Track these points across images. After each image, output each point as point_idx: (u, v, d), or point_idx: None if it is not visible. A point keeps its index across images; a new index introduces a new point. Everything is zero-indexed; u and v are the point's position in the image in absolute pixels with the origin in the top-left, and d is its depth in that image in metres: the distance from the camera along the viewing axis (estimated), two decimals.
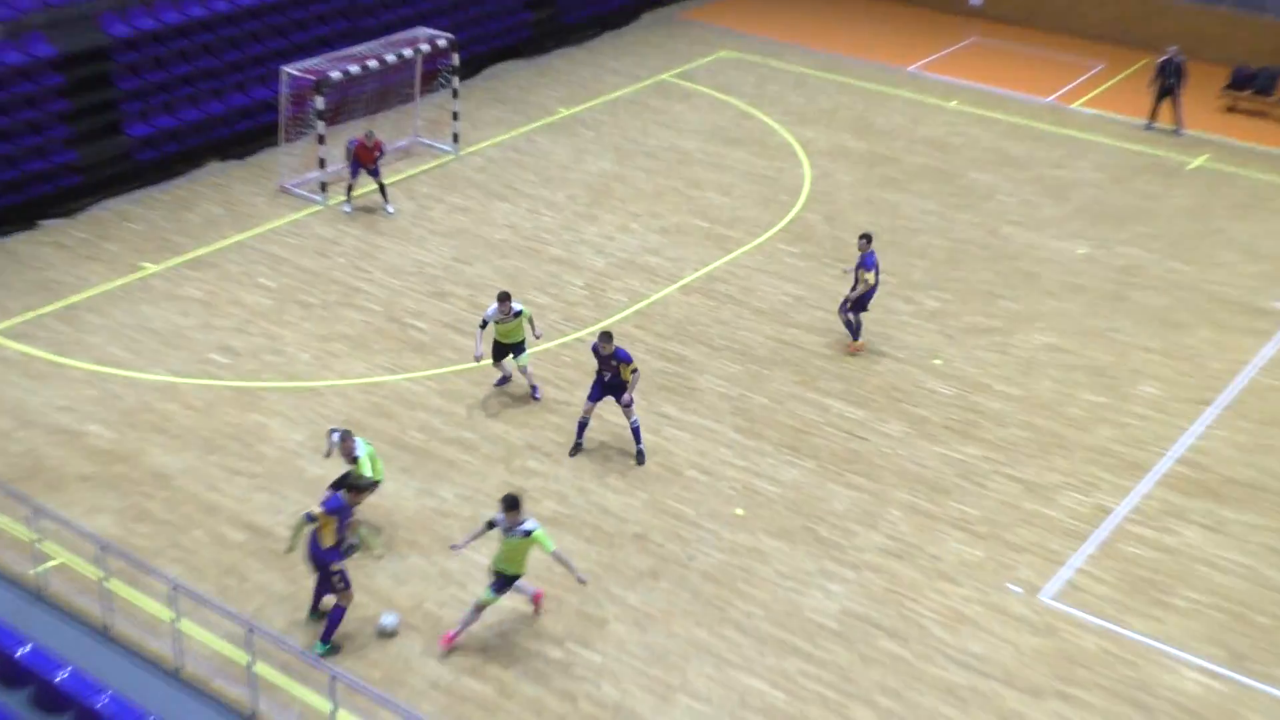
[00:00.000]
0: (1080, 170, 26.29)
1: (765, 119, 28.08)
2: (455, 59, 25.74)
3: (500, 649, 14.33)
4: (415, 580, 15.11)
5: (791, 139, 27.24)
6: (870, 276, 19.31)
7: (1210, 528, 16.48)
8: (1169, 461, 17.68)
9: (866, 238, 19.40)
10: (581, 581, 14.17)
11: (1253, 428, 18.39)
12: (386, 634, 14.28)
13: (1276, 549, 16.12)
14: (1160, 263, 22.78)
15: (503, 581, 14.08)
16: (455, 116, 25.94)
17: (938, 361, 19.80)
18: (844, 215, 23.98)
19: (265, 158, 25.48)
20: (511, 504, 13.74)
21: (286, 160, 24.65)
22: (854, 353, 19.68)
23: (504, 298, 17.71)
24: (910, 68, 30.98)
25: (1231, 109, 29.05)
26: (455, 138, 26.16)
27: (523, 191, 24.79)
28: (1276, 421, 18.57)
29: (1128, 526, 16.51)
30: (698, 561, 15.74)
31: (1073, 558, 15.97)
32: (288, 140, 24.63)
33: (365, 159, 23.28)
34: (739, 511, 16.59)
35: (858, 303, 19.57)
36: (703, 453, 17.65)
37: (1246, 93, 29.21)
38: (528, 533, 13.79)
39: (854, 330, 19.74)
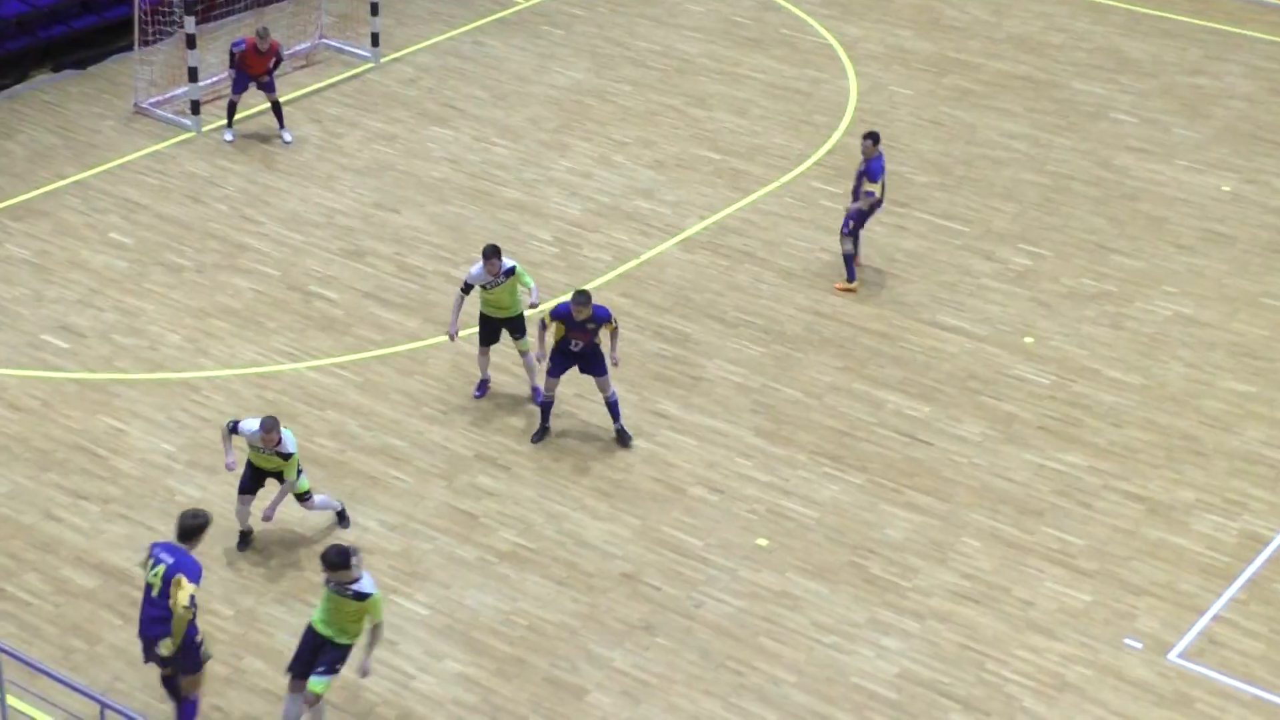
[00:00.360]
0: (1226, 77, 26.61)
1: (796, 10, 28.37)
2: None
3: None
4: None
5: (831, 38, 27.51)
6: (877, 188, 20.33)
7: None
8: None
9: (872, 137, 20.48)
10: (363, 673, 14.15)
11: None
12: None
13: None
14: None
15: (328, 654, 13.96)
16: (374, 10, 26.19)
17: (1029, 340, 20.14)
18: (902, 141, 24.26)
19: (114, 67, 25.69)
20: (335, 563, 13.65)
21: (143, 71, 24.88)
22: (842, 292, 20.81)
23: (491, 254, 17.91)
24: None
25: None
26: (375, 39, 26.40)
27: (468, 113, 25.05)
28: None
29: None
30: (707, 609, 16.06)
31: (1213, 603, 16.31)
32: (145, 43, 24.85)
33: (254, 68, 23.51)
34: (762, 542, 16.93)
35: (859, 224, 20.68)
36: (713, 464, 17.97)
37: None
38: (361, 595, 13.78)
39: (850, 265, 20.84)
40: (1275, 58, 27.23)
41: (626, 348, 19.46)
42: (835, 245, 21.58)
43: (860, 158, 20.76)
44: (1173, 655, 15.72)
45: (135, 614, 15.03)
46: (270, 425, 15.61)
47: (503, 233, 21.82)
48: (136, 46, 24.76)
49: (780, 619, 15.98)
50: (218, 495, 16.88)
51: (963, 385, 19.27)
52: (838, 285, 20.94)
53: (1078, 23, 28.13)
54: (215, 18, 25.69)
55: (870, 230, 21.77)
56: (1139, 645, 15.82)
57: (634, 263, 21.46)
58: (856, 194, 20.66)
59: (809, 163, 23.88)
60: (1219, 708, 15.17)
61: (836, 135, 24.58)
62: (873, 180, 20.39)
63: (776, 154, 24.06)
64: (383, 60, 26.33)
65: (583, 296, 17.31)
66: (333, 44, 26.52)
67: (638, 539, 16.90)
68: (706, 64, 26.57)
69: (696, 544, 16.87)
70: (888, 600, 16.25)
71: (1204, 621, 16.11)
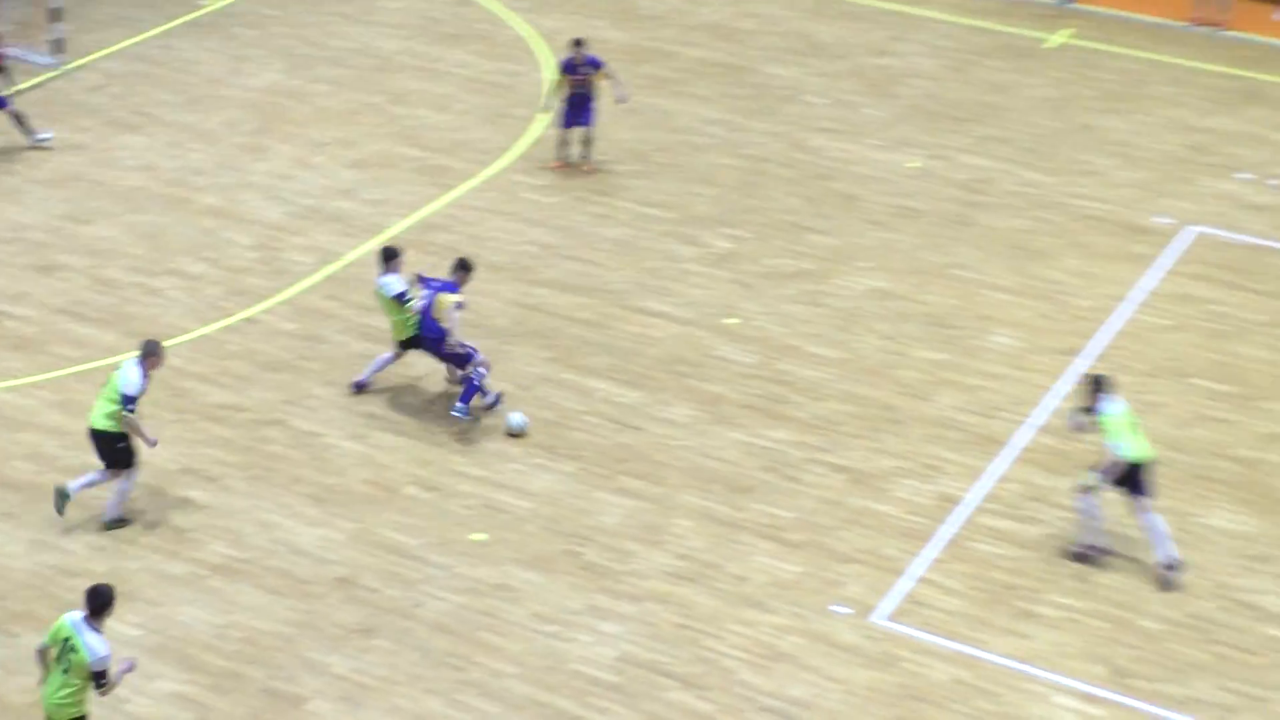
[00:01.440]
0: (910, 57, 27.49)
1: (491, 5, 28.48)
2: None
3: None
4: (32, 667, 15.03)
5: (528, 31, 27.70)
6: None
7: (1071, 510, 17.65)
8: (1030, 431, 18.86)
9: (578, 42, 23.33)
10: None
11: (1133, 381, 19.67)
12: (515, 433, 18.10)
13: (1168, 534, 17.38)
14: (1013, 174, 24.10)
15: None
16: (55, 15, 25.61)
17: (732, 321, 20.59)
18: (602, 130, 24.56)
19: None
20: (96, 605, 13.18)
21: None
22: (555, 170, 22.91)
23: (391, 255, 18.71)
24: None
25: None
26: (58, 45, 25.82)
27: (160, 119, 24.66)
28: (1161, 371, 19.95)
29: (981, 519, 17.56)
30: (426, 608, 16.13)
31: (913, 565, 16.91)
32: None
33: None
34: (478, 537, 17.05)
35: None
36: (426, 462, 18.04)
37: None
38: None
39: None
40: (954, 37, 28.21)
41: (333, 351, 19.45)
42: (540, 237, 21.82)
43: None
44: (878, 618, 16.27)
45: None
46: None
47: (201, 240, 21.57)
48: None
49: (499, 612, 16.12)
50: None
51: (670, 369, 19.63)
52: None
53: (768, 8, 28.76)
54: None
55: (573, 219, 22.03)
56: (847, 611, 16.33)
57: (339, 264, 21.40)
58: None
59: (511, 156, 24.04)
60: (924, 664, 15.75)
61: (538, 127, 24.78)
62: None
63: (478, 149, 24.18)
64: (67, 66, 25.77)
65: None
66: (10, 51, 25.80)
67: (353, 542, 16.88)
68: (405, 61, 26.56)
69: (413, 543, 16.92)
70: (604, 585, 16.50)
71: (907, 584, 16.70)
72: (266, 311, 20.40)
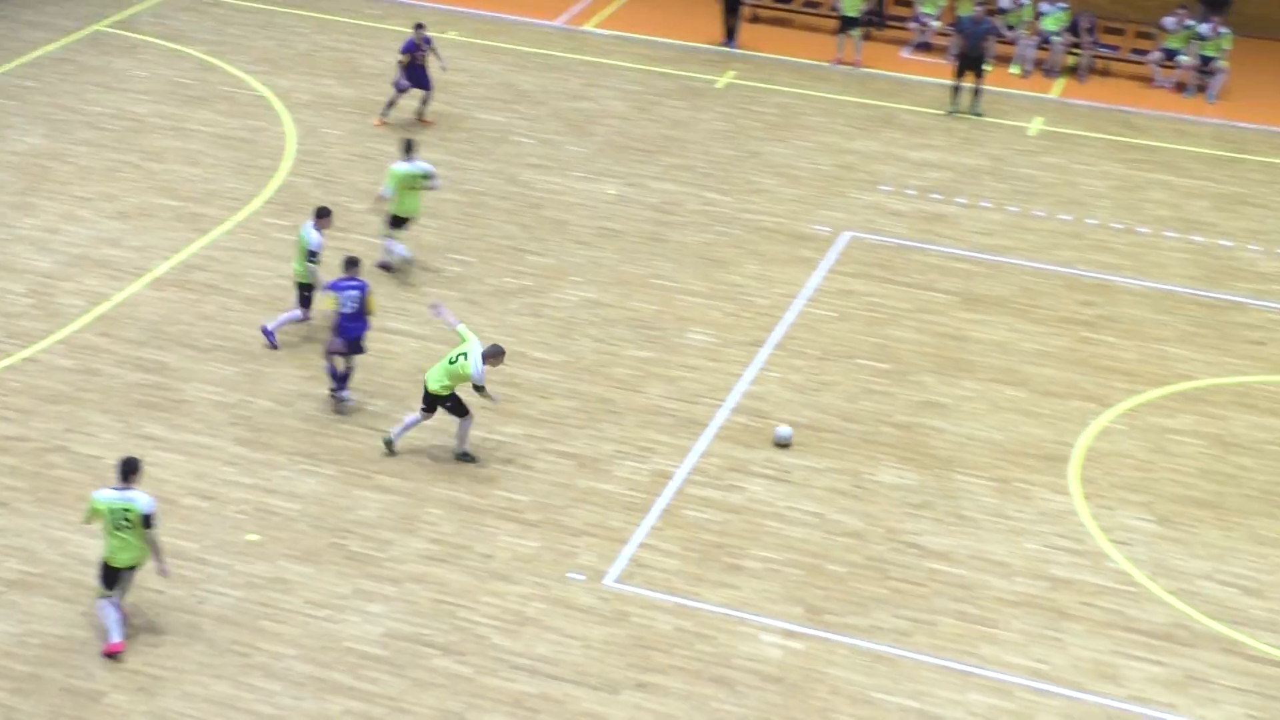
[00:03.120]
0: (603, 100, 27.69)
1: (232, 70, 27.83)
2: None
3: None
4: None
5: (266, 91, 27.15)
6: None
7: (775, 478, 17.99)
8: (726, 413, 19.14)
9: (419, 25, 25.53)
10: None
11: (808, 365, 20.15)
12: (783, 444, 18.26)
13: (843, 490, 17.82)
14: (696, 195, 24.43)
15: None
16: None
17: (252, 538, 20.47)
18: (339, 175, 24.22)
19: None
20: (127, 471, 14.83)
21: None
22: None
23: (324, 213, 19.85)
24: None
25: (755, 19, 31.33)
26: None
27: None
28: (831, 355, 20.43)
29: (690, 490, 17.78)
30: (209, 604, 15.68)
31: (635, 533, 17.04)
32: None
33: None
34: (252, 538, 16.63)
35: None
36: (200, 475, 17.54)
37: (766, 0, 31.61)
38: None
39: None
40: (639, 82, 28.46)
41: (109, 382, 18.80)
42: (286, 270, 21.39)
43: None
44: (609, 581, 16.34)
45: None
46: None
47: None
48: None
49: (276, 602, 15.74)
50: None
51: (413, 379, 19.38)
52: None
53: (477, 63, 28.63)
54: None
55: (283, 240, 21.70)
56: (581, 577, 16.36)
57: (108, 305, 20.63)
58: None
59: (259, 201, 23.49)
60: (650, 618, 15.87)
61: (281, 175, 24.28)
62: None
63: (229, 196, 23.57)
64: None
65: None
66: None
67: None
68: (157, 122, 25.74)
69: (194, 547, 16.41)
70: (368, 571, 16.24)
71: (631, 550, 16.80)
72: (44, 350, 19.59)
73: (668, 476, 17.97)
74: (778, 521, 17.32)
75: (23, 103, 26.11)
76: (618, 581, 16.34)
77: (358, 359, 18.82)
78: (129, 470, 14.77)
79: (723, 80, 28.66)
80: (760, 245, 23.04)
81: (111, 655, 14.83)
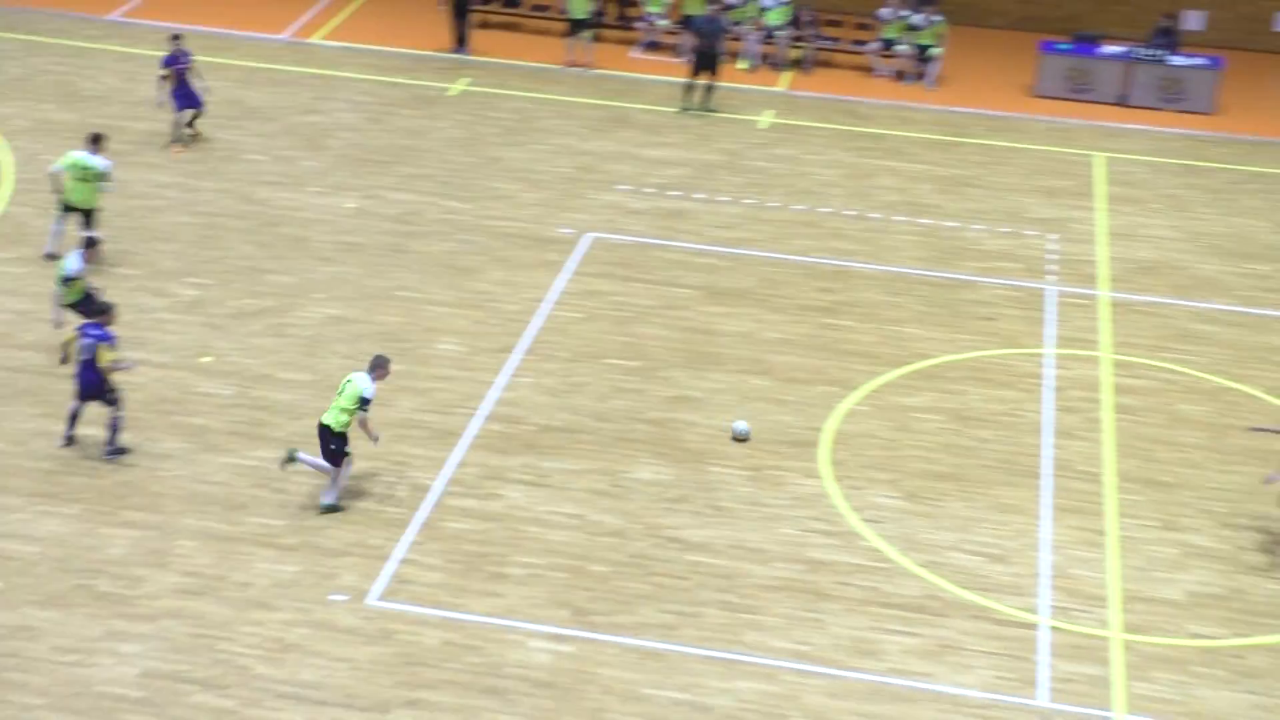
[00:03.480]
0: (334, 113, 27.33)
1: None
2: None
3: None
4: None
5: None
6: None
7: (533, 483, 17.99)
8: (480, 421, 19.06)
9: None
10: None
11: (559, 368, 20.21)
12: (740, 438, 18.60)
13: (601, 490, 17.92)
14: (437, 204, 24.29)
15: None
16: None
17: (206, 359, 19.96)
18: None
19: None
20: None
21: None
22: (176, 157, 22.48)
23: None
24: (112, 15, 30.59)
25: (484, 24, 31.29)
26: None
27: None
28: (581, 356, 20.52)
29: (449, 501, 17.65)
30: None
31: (396, 549, 16.84)
32: None
33: None
34: None
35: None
36: None
37: (493, 4, 31.58)
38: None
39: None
40: (371, 93, 28.20)
41: None
42: (15, 305, 20.60)
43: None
44: (371, 600, 16.12)
45: None
46: None
47: None
48: None
49: (22, 651, 15.07)
50: None
51: (155, 409, 18.85)
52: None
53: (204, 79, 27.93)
54: None
55: (44, 286, 20.82)
56: (344, 598, 16.11)
57: None
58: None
59: None
60: (417, 633, 15.70)
61: (1, 205, 23.34)
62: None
63: None
64: None
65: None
66: None
67: None
68: None
69: None
70: (120, 611, 15.68)
71: (393, 567, 16.61)
72: None
73: (425, 489, 17.81)
74: (539, 526, 17.32)
75: None
76: (381, 600, 16.12)
77: (99, 406, 18.13)
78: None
79: (456, 87, 28.55)
80: (504, 251, 23.02)
81: None
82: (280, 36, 30.33)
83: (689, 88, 27.78)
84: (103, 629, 15.46)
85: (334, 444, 17.14)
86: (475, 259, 22.77)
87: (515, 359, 20.33)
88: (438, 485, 17.89)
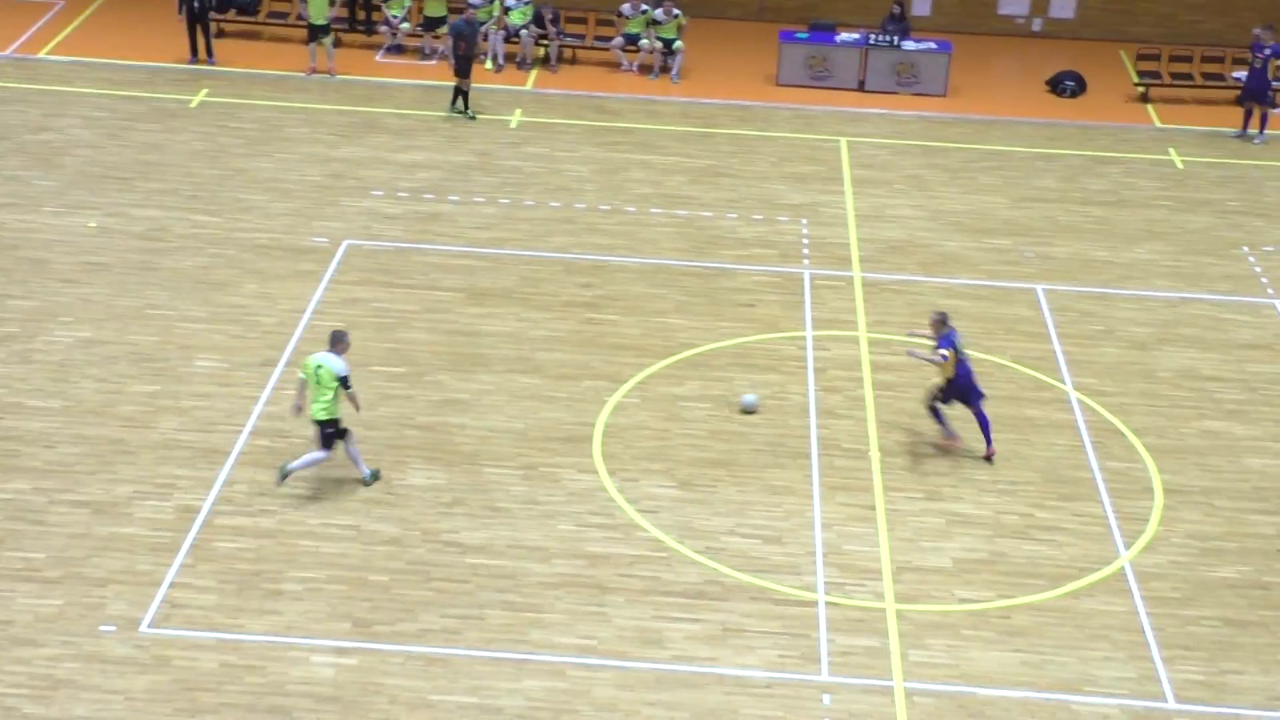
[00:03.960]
0: (69, 130, 26.47)
1: None
2: None
3: None
4: None
5: None
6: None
7: (305, 497, 17.72)
8: (246, 437, 18.69)
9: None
10: None
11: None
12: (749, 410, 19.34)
13: (376, 499, 17.75)
14: (185, 219, 23.72)
15: None
16: None
17: None
18: None
19: None
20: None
21: None
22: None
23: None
24: None
25: (221, 33, 30.61)
26: None
27: None
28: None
29: (219, 520, 17.28)
30: None
31: (167, 574, 16.43)
32: None
33: None
34: None
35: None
36: None
37: (230, 13, 30.93)
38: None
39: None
40: (106, 108, 27.38)
41: None
42: None
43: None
44: (144, 628, 15.70)
45: None
46: None
47: None
48: None
49: None
50: None
51: None
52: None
53: None
54: None
55: None
56: (113, 628, 15.66)
57: None
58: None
59: None
60: (193, 658, 15.36)
61: None
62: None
63: None
64: None
65: None
66: None
67: None
68: None
69: None
70: None
71: (163, 591, 16.20)
72: None
73: (194, 511, 17.39)
74: (313, 540, 17.08)
75: None
76: (153, 627, 15.72)
77: None
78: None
79: (196, 99, 27.90)
80: (258, 263, 22.59)
81: None
82: (3, 53, 29.23)
83: (458, 91, 27.61)
84: None
85: (329, 429, 17.47)
86: (228, 273, 22.30)
87: (278, 372, 19.98)
88: (205, 505, 17.49)
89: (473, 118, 27.65)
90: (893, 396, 20.23)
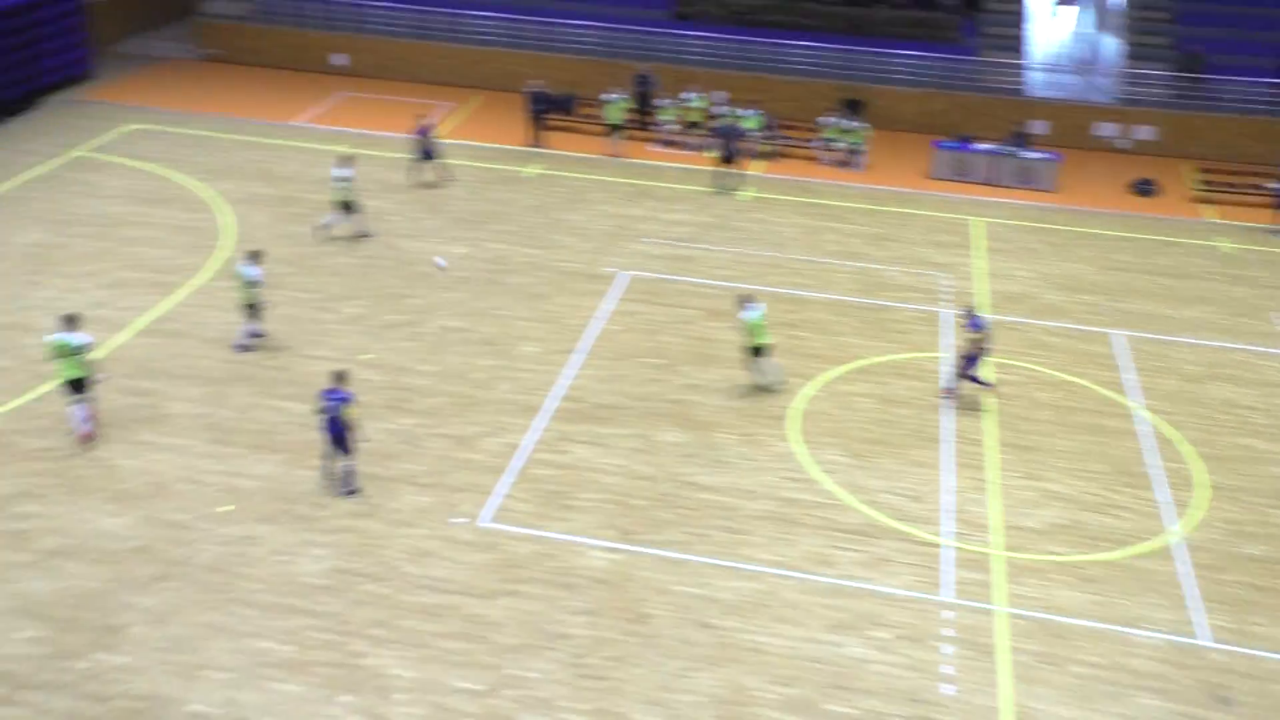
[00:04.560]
0: (451, 188, 27.32)
1: (181, 178, 26.72)
2: None
3: (19, 674, 13.00)
4: None
5: (209, 192, 26.15)
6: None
7: (592, 443, 18.03)
8: (555, 400, 19.09)
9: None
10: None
11: (607, 363, 20.22)
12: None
13: (638, 449, 17.96)
14: (519, 251, 24.28)
15: None
16: None
17: (367, 356, 20.04)
18: (267, 247, 23.44)
19: None
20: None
21: None
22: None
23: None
24: (296, 121, 30.65)
25: (548, 126, 31.24)
26: None
27: None
28: (622, 356, 20.56)
29: (535, 455, 17.69)
30: (199, 558, 15.06)
31: (499, 486, 16.91)
32: None
33: None
34: (226, 509, 16.02)
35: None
36: (186, 466, 16.83)
37: (557, 114, 31.54)
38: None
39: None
40: (472, 174, 28.16)
41: (110, 404, 17.82)
42: (236, 318, 20.61)
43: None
44: (482, 522, 16.20)
45: None
46: None
47: (3, 345, 19.34)
48: None
49: (247, 553, 15.25)
50: None
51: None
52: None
53: (360, 167, 27.98)
54: None
55: (229, 295, 20.90)
56: (464, 520, 16.18)
57: (105, 350, 19.62)
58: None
59: (207, 273, 22.60)
60: (514, 545, 15.81)
61: (224, 253, 23.40)
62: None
63: (189, 268, 22.60)
64: None
65: None
66: None
67: (143, 523, 15.50)
68: (130, 218, 24.54)
69: (185, 518, 15.67)
70: (313, 527, 15.77)
71: (496, 499, 16.67)
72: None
73: (518, 447, 17.85)
74: (595, 473, 17.36)
75: (26, 209, 24.67)
76: (489, 522, 16.20)
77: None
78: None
79: (530, 170, 28.54)
80: (567, 284, 23.02)
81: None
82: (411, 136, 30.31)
83: (717, 174, 27.70)
84: (300, 539, 15.54)
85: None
86: (547, 289, 22.73)
87: (577, 358, 20.26)
88: (526, 444, 17.87)
89: (733, 190, 27.67)
90: (1004, 403, 19.62)
